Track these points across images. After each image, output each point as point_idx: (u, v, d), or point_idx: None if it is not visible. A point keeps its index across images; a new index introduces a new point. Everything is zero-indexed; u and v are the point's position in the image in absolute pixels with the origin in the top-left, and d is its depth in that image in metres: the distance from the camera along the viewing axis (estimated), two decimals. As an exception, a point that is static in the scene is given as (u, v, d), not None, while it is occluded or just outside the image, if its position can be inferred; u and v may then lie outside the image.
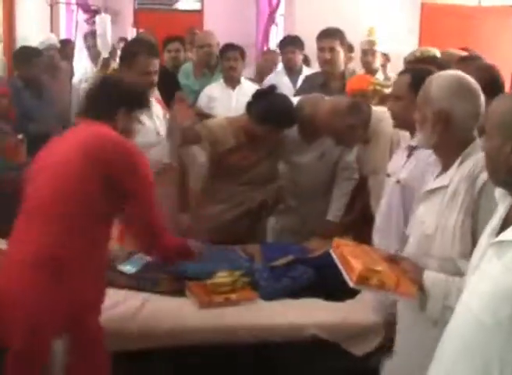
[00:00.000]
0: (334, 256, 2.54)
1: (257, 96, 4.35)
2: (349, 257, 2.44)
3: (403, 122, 3.38)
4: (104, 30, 5.19)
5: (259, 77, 7.22)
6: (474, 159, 2.55)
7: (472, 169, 2.52)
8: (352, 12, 7.61)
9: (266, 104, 4.26)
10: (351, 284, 2.29)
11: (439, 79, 2.70)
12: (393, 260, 2.56)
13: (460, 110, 2.60)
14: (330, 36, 5.26)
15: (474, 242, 2.40)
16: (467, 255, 2.42)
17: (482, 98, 2.64)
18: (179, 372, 3.96)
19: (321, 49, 5.28)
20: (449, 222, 2.54)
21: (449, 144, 2.65)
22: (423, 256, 2.65)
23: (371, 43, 6.15)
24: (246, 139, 4.36)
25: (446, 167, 2.68)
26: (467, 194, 2.50)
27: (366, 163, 4.12)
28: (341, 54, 5.21)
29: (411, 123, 2.97)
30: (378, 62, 6.15)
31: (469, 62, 4.00)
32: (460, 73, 2.76)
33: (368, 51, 6.13)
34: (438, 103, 2.63)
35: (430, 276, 2.49)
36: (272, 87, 4.54)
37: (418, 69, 3.65)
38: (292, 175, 4.58)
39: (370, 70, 6.03)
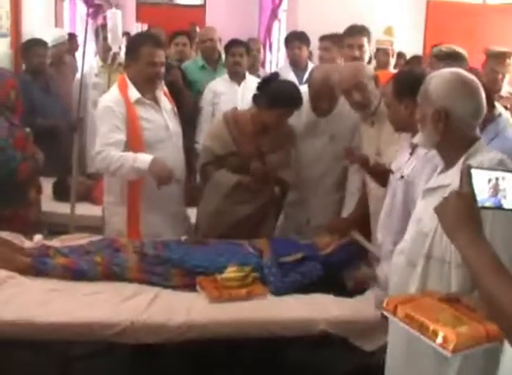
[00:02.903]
0: (395, 319, 2.42)
1: (262, 85, 4.37)
2: (422, 318, 2.31)
3: (397, 126, 3.49)
4: (115, 24, 5.18)
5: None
6: (479, 159, 2.53)
7: None
8: (355, 9, 7.59)
9: (272, 89, 4.27)
10: (445, 353, 2.19)
11: (439, 77, 2.69)
12: (452, 299, 2.45)
13: (461, 108, 2.60)
14: (359, 33, 5.24)
15: None
16: None
17: (483, 95, 2.63)
18: (192, 365, 4.02)
19: (349, 46, 5.27)
20: None
21: (451, 143, 2.64)
22: (423, 258, 2.65)
23: (389, 42, 6.10)
24: (254, 131, 4.37)
25: (448, 166, 2.68)
26: None
27: (369, 145, 4.12)
28: (368, 52, 5.21)
29: (406, 126, 3.10)
30: (393, 62, 6.12)
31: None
32: (459, 70, 2.74)
33: (384, 50, 6.08)
34: (438, 102, 2.62)
35: None
36: (275, 74, 4.60)
37: (403, 73, 3.72)
38: (302, 163, 4.57)
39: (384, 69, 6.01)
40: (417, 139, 2.86)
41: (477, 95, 2.62)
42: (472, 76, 2.67)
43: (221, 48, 6.67)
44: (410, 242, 2.80)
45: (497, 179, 1.84)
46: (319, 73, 4.43)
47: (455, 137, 2.63)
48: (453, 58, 4.44)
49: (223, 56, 6.38)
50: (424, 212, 2.70)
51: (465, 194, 1.84)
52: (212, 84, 6.10)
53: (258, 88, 4.37)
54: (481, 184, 1.85)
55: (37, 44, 6.20)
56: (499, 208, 1.84)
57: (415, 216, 2.81)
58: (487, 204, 1.84)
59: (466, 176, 1.85)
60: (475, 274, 1.74)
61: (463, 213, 1.84)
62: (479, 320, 2.18)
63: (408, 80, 3.34)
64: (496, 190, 1.84)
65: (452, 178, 2.57)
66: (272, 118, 4.24)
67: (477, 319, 2.19)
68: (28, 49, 6.18)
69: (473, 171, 1.85)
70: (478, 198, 1.84)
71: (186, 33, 7.27)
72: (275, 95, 4.21)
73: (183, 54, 6.95)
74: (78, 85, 5.68)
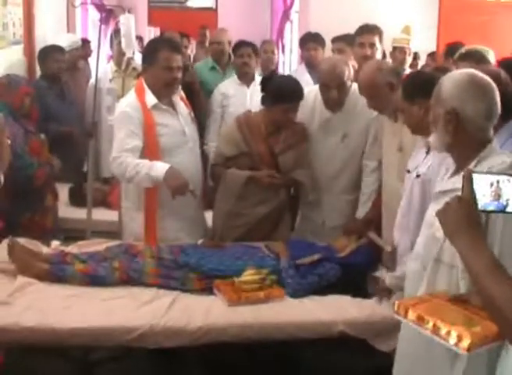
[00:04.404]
0: (407, 321, 2.41)
1: (264, 84, 4.44)
2: (434, 319, 2.30)
3: (415, 128, 3.49)
4: (129, 29, 5.19)
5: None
6: (491, 162, 2.51)
7: None
8: (368, 9, 7.59)
9: (272, 86, 4.35)
10: (461, 352, 2.19)
11: (451, 78, 2.67)
12: (461, 300, 2.40)
13: (472, 109, 2.56)
14: (371, 31, 5.26)
15: None
16: None
17: (497, 97, 2.59)
18: (208, 369, 4.02)
19: (360, 45, 5.29)
20: None
21: (463, 145, 2.61)
22: (433, 261, 2.64)
23: (406, 41, 6.08)
24: (266, 132, 4.40)
25: (460, 168, 2.65)
26: None
27: (392, 141, 4.11)
28: (379, 51, 5.22)
29: (423, 127, 3.10)
30: (409, 61, 6.11)
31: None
32: (472, 71, 2.71)
33: (401, 49, 6.06)
34: (449, 102, 2.59)
35: None
36: (272, 72, 4.67)
37: (411, 76, 3.77)
38: (315, 163, 4.56)
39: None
40: (431, 141, 2.86)
41: (489, 96, 2.58)
42: (486, 78, 2.63)
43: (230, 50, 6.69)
44: (423, 247, 2.81)
45: (498, 182, 1.87)
46: (327, 62, 4.52)
47: (466, 139, 2.60)
48: (470, 57, 4.42)
49: (232, 58, 6.47)
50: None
51: (466, 198, 1.89)
52: (221, 86, 6.08)
53: (262, 89, 4.43)
54: (483, 189, 1.89)
55: (54, 50, 6.26)
56: (503, 211, 1.87)
57: (427, 220, 2.81)
58: (490, 208, 1.89)
59: (467, 181, 1.89)
60: (474, 277, 1.80)
61: (463, 218, 1.89)
62: (489, 318, 2.20)
63: (418, 80, 3.36)
64: (498, 193, 1.88)
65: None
66: (278, 115, 4.29)
67: (487, 318, 2.21)
68: (46, 55, 6.22)
69: (474, 176, 1.90)
70: (481, 202, 1.89)
71: (186, 36, 7.32)
72: (276, 92, 4.29)
73: (184, 56, 6.95)
74: (92, 90, 5.71)
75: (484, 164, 2.52)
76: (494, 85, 2.61)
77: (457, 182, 2.53)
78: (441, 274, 2.62)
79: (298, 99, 4.31)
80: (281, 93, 4.26)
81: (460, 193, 2.28)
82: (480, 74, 2.65)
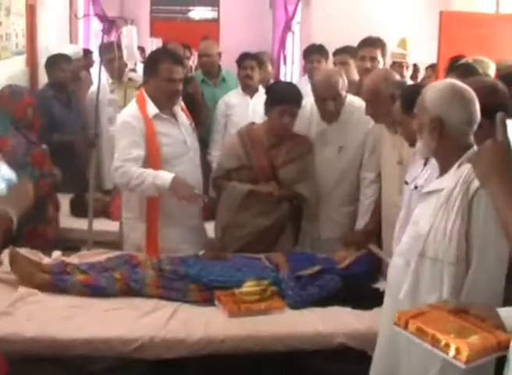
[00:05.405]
0: (407, 333, 2.41)
1: (267, 91, 4.52)
2: (433, 332, 2.29)
3: (413, 142, 3.48)
4: (131, 41, 5.22)
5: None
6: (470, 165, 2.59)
7: (467, 174, 2.58)
8: (369, 21, 7.60)
9: (272, 90, 4.43)
10: (459, 364, 2.18)
11: (434, 88, 2.79)
12: (461, 310, 2.41)
13: (454, 116, 2.68)
14: (373, 44, 5.27)
15: (468, 246, 2.55)
16: (463, 259, 2.56)
17: (476, 104, 2.70)
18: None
19: (361, 58, 5.29)
20: (441, 224, 2.62)
21: (446, 150, 2.73)
22: (417, 256, 2.72)
23: (402, 55, 6.09)
24: (267, 145, 4.42)
25: (444, 171, 2.77)
26: (463, 198, 2.58)
27: (392, 153, 4.12)
28: (381, 64, 5.23)
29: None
30: (408, 74, 6.11)
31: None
32: (453, 81, 2.86)
33: (399, 64, 6.06)
34: (433, 110, 2.71)
35: (506, 313, 2.30)
36: (277, 80, 4.65)
37: (408, 88, 3.80)
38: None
39: None
40: (417, 148, 2.91)
41: (469, 104, 2.70)
42: (466, 86, 2.75)
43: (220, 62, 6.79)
44: (407, 244, 2.88)
45: None
46: (321, 74, 4.56)
47: (450, 145, 2.72)
48: (463, 69, 4.44)
49: (223, 70, 6.66)
50: (421, 215, 2.81)
51: (500, 143, 1.92)
52: (226, 97, 6.21)
53: (266, 93, 4.49)
54: None
55: (61, 59, 6.29)
56: None
57: (413, 219, 2.90)
58: None
59: (501, 126, 1.92)
60: (505, 224, 1.82)
61: (496, 161, 1.92)
62: (489, 330, 2.21)
63: (415, 94, 3.38)
64: None
65: (446, 183, 2.69)
66: (275, 119, 4.31)
67: (487, 329, 2.22)
68: (53, 64, 6.25)
69: (508, 121, 1.92)
70: None
71: (188, 47, 7.37)
72: (272, 94, 4.36)
73: (185, 67, 6.98)
74: (91, 101, 5.72)
75: (464, 167, 2.63)
76: (474, 94, 2.73)
77: (441, 183, 2.72)
78: (425, 268, 2.72)
79: (294, 102, 4.32)
80: (278, 94, 4.31)
81: (444, 193, 2.34)
82: (460, 84, 2.79)
